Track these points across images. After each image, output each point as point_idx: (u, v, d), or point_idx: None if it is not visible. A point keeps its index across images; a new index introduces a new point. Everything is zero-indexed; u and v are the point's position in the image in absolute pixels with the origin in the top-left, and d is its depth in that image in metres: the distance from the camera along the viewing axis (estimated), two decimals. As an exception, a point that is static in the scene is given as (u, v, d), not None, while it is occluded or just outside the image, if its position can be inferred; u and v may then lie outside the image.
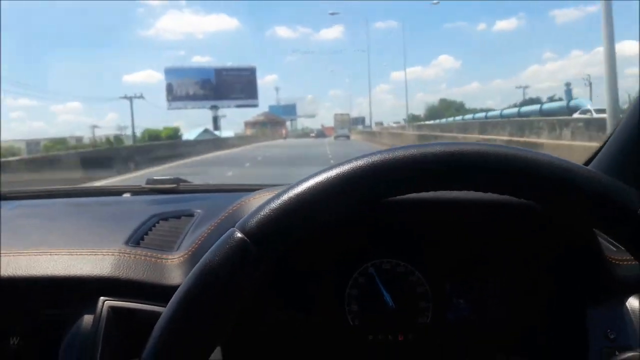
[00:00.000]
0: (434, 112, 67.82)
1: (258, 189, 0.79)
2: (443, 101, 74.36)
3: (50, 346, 0.62)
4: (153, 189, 1.17)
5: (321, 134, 59.45)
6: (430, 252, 0.73)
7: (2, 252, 0.68)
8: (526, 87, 56.36)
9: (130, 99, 33.41)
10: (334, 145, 27.38)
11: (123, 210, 1.00)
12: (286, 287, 0.73)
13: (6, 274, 0.65)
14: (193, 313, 0.42)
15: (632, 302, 0.63)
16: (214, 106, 55.00)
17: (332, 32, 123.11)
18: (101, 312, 0.61)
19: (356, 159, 0.43)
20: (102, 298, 0.62)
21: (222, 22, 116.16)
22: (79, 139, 36.44)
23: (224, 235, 0.43)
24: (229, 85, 55.52)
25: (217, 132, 48.29)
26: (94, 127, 37.59)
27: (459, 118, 36.98)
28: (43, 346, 0.65)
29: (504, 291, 0.73)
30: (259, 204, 0.43)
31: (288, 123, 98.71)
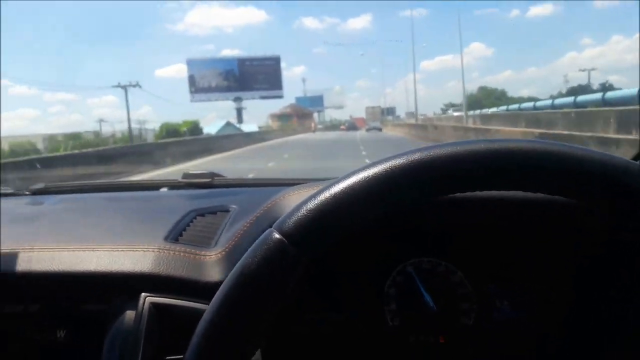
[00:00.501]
0: (473, 101, 63.76)
1: (293, 184, 0.80)
2: (482, 89, 69.76)
3: (94, 340, 0.64)
4: (189, 184, 1.19)
5: (352, 126, 55.83)
6: (471, 251, 0.70)
7: (45, 247, 0.70)
8: (569, 74, 51.83)
9: (125, 87, 28.57)
10: (372, 144, 20.32)
11: (161, 205, 1.01)
12: (323, 287, 0.72)
13: (52, 269, 0.67)
14: (233, 315, 0.42)
15: None
16: (238, 98, 52.69)
17: (360, 22, 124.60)
18: (143, 308, 0.62)
19: (395, 156, 0.42)
20: (143, 294, 0.63)
21: (250, 15, 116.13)
22: (96, 134, 34.42)
23: (261, 236, 0.43)
24: (252, 75, 53.02)
25: (240, 126, 45.97)
26: (101, 121, 35.01)
27: (502, 108, 33.33)
28: (87, 340, 0.66)
29: (550, 293, 0.71)
30: (296, 203, 0.43)
31: (315, 114, 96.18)
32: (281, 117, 77.31)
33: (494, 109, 33.29)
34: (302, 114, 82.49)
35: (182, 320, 0.59)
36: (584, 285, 0.69)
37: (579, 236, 0.67)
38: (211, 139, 24.91)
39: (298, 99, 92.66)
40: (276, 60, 54.31)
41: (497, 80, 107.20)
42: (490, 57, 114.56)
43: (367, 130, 43.31)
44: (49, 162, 11.00)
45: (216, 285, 0.53)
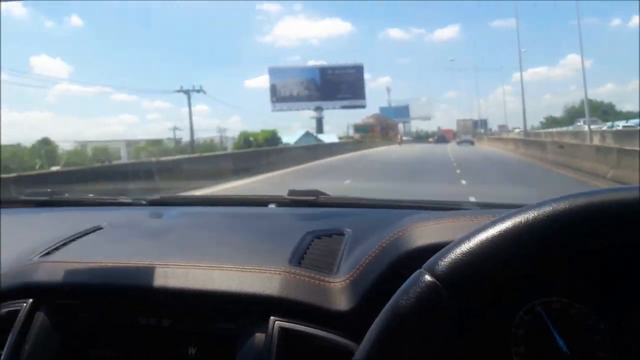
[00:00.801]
0: (574, 114, 56.87)
1: (400, 207, 0.89)
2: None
3: (224, 359, 0.66)
4: (294, 201, 1.22)
5: (442, 138, 51.31)
6: (611, 295, 0.63)
7: (180, 263, 0.73)
8: None
9: (188, 92, 26.97)
10: (471, 167, 14.31)
11: (275, 224, 1.04)
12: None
13: (186, 286, 0.69)
14: (387, 354, 0.40)
15: None
16: (319, 107, 51.26)
17: (447, 32, 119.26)
18: (272, 331, 0.63)
19: (557, 200, 0.40)
20: (272, 318, 0.64)
21: (335, 26, 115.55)
22: (178, 140, 34.40)
23: (411, 277, 0.42)
24: (334, 84, 51.37)
25: (319, 136, 44.24)
26: (175, 129, 34.82)
27: (620, 123, 28.07)
28: (217, 358, 0.68)
29: None
30: (427, 236, 0.42)
31: (400, 125, 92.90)
32: (363, 127, 75.15)
33: (623, 122, 28.09)
34: (385, 124, 79.49)
35: (310, 347, 0.61)
36: None
37: None
38: (285, 150, 23.05)
39: (382, 109, 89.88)
40: (359, 69, 52.24)
41: (597, 93, 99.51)
42: (589, 69, 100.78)
43: (458, 143, 41.58)
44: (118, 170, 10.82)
45: (344, 314, 0.56)
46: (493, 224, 0.41)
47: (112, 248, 0.86)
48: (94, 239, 0.91)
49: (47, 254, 0.84)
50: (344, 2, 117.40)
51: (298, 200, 1.21)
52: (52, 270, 0.76)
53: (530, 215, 0.39)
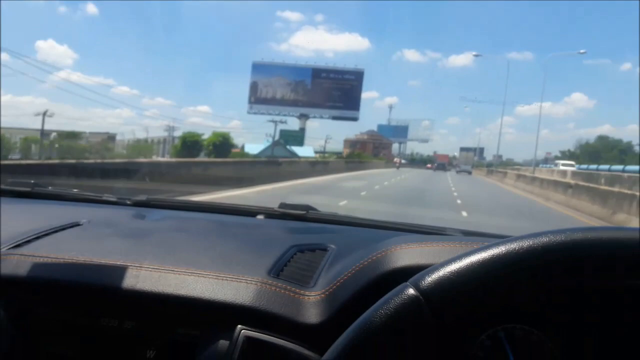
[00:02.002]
0: (589, 151, 50.29)
1: (387, 228, 0.88)
2: (602, 139, 55.62)
3: None
4: (284, 214, 1.21)
5: (441, 166, 47.30)
6: (570, 326, 0.64)
7: (152, 266, 0.72)
8: None
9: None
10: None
11: (261, 235, 1.03)
12: None
13: (157, 290, 0.68)
14: None
15: None
16: (304, 115, 43.77)
17: (462, 59, 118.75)
18: (237, 339, 0.62)
19: (552, 233, 0.41)
20: (239, 326, 0.64)
21: (352, 42, 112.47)
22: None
23: (395, 289, 0.42)
24: (326, 90, 43.83)
25: (297, 149, 36.72)
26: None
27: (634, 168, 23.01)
28: None
29: None
30: (421, 258, 0.44)
31: (396, 145, 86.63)
32: (356, 144, 67.67)
33: (635, 167, 22.58)
34: (379, 143, 72.43)
35: (274, 357, 0.60)
36: None
37: None
38: (221, 164, 15.46)
39: (380, 127, 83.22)
40: (358, 76, 44.70)
41: (593, 133, 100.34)
42: (591, 109, 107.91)
43: (458, 172, 41.33)
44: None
45: (314, 327, 0.56)
46: (482, 249, 0.42)
47: (86, 245, 0.83)
48: (69, 235, 0.89)
49: (17, 246, 0.82)
50: (367, 19, 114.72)
51: (288, 214, 1.21)
52: (17, 263, 0.75)
53: (515, 245, 0.41)
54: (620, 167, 25.52)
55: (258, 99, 43.39)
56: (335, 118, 44.98)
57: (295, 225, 1.14)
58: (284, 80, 43.47)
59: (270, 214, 1.23)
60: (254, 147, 33.60)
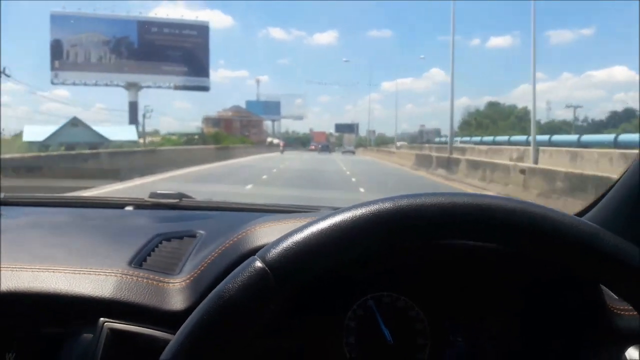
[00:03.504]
0: (484, 123, 48.18)
1: (264, 211, 0.82)
2: (493, 105, 53.47)
3: None
4: (155, 204, 1.18)
5: (326, 147, 44.75)
6: (430, 288, 0.73)
7: (3, 265, 0.68)
8: (578, 106, 44.90)
9: None
10: None
11: (126, 226, 1.01)
12: (283, 314, 0.69)
13: (6, 289, 0.65)
14: (205, 339, 0.42)
15: (632, 353, 0.64)
16: (132, 84, 33.00)
17: (326, 37, 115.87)
18: (100, 333, 0.61)
19: (383, 200, 0.45)
20: (102, 319, 0.62)
21: (215, 19, 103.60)
22: None
23: (243, 263, 0.44)
24: (161, 50, 33.30)
25: (116, 130, 26.30)
26: None
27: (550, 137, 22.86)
28: None
29: (501, 333, 0.74)
30: (269, 235, 0.43)
31: (268, 123, 78.84)
32: (219, 122, 57.99)
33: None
34: (248, 121, 63.60)
35: (141, 348, 0.59)
36: (538, 329, 0.71)
37: (534, 283, 0.70)
38: None
39: (249, 103, 74.42)
40: (202, 31, 34.76)
41: (455, 105, 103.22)
42: (449, 83, 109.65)
43: (343, 152, 42.64)
44: None
45: (178, 313, 0.54)
46: (324, 218, 0.44)
47: None
48: None
49: None
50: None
51: (160, 204, 1.16)
52: None
53: (357, 211, 0.43)
54: (523, 137, 22.99)
55: (65, 65, 31.50)
56: (179, 88, 34.89)
57: (166, 214, 1.11)
58: (99, 37, 32.10)
59: (140, 205, 1.17)
60: (40, 131, 22.62)
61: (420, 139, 51.52)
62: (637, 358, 0.63)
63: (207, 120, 58.23)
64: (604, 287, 0.66)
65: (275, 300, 0.42)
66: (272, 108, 76.82)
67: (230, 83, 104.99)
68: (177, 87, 34.66)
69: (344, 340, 0.70)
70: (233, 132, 56.52)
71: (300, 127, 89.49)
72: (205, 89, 35.69)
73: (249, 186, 10.30)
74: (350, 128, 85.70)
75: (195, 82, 34.91)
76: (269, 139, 47.27)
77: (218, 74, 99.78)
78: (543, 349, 0.71)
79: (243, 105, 72.50)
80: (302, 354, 0.71)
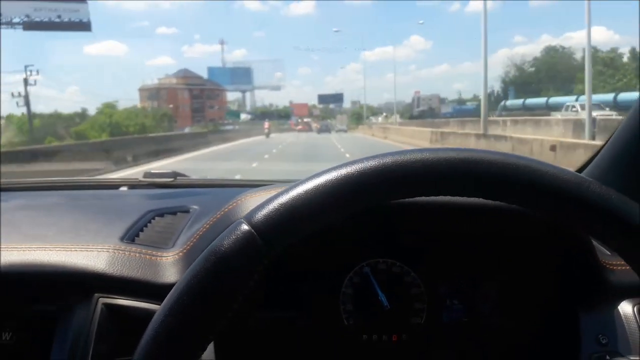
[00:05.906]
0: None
1: (257, 185, 0.82)
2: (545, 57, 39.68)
3: (44, 341, 0.63)
4: (150, 183, 1.19)
5: (326, 127, 42.94)
6: (426, 253, 0.74)
7: None
8: None
9: None
10: None
11: (120, 205, 1.01)
12: (280, 284, 0.73)
13: None
14: (195, 302, 0.42)
15: (625, 307, 0.65)
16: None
17: (303, 7, 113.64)
18: (95, 308, 0.62)
19: (367, 158, 0.44)
20: (96, 295, 0.63)
21: None
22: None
23: (230, 226, 0.44)
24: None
25: None
26: None
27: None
28: (36, 341, 0.65)
29: (498, 294, 0.74)
30: (265, 198, 0.45)
31: (239, 94, 63.93)
32: (160, 92, 42.84)
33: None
34: (200, 92, 48.17)
35: (136, 322, 0.57)
36: (533, 288, 0.72)
37: (527, 241, 0.70)
38: None
39: (212, 71, 59.02)
40: None
41: (434, 73, 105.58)
42: (429, 50, 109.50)
43: (337, 131, 42.75)
44: None
45: (171, 286, 0.55)
46: (309, 178, 0.44)
47: None
48: None
49: None
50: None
51: (154, 183, 1.18)
52: None
53: (342, 170, 0.43)
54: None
55: None
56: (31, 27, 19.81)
57: (160, 192, 1.12)
58: None
59: (134, 185, 1.18)
60: None
61: (416, 108, 51.32)
62: (630, 312, 0.64)
63: (143, 91, 42.97)
64: (596, 244, 0.66)
65: (262, 262, 0.42)
66: (242, 76, 61.59)
67: (206, 58, 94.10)
68: (27, 27, 19.44)
69: (341, 307, 0.71)
70: (181, 106, 41.69)
71: (280, 100, 76.89)
72: (84, 26, 20.53)
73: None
74: (336, 98, 71.44)
75: (64, 12, 19.72)
76: (266, 126, 33.43)
77: (193, 49, 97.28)
78: (540, 311, 0.71)
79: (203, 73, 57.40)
80: (300, 323, 0.72)
